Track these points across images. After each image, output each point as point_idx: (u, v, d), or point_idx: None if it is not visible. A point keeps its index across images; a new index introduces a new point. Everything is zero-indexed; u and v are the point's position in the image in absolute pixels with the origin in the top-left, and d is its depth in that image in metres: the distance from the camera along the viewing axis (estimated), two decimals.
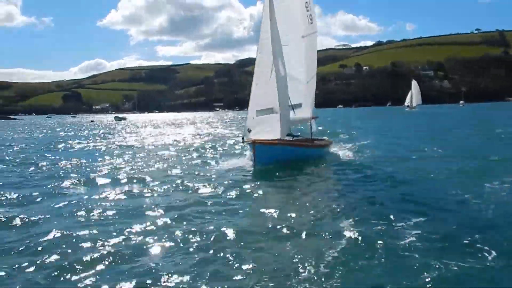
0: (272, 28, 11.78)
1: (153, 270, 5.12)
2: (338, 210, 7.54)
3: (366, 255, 5.38)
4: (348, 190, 9.37)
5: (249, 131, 12.47)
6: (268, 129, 12.31)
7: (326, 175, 11.87)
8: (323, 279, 4.76)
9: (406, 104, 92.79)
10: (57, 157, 17.20)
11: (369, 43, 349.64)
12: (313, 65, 13.42)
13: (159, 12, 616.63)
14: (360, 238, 5.91)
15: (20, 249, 5.95)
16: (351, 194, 8.89)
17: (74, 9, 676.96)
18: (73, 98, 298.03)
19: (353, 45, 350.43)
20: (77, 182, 10.90)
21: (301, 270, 4.97)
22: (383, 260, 5.24)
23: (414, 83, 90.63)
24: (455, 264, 5.00)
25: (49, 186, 10.54)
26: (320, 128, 19.14)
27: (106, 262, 5.37)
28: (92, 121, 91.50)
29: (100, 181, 11.07)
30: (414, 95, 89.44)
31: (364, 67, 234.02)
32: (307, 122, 14.92)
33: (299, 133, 15.57)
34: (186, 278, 4.87)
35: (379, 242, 5.74)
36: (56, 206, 8.44)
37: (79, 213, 7.69)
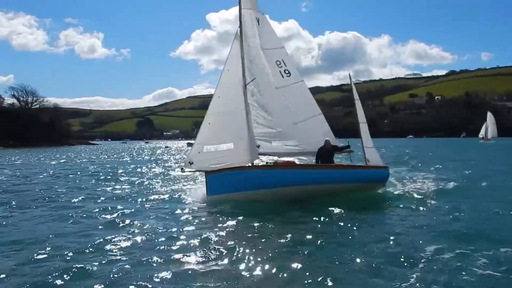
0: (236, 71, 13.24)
1: None
2: None
3: None
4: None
5: (191, 163, 12.64)
6: (226, 161, 12.54)
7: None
8: None
9: (480, 136, 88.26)
10: None
11: (442, 72, 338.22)
12: (303, 110, 14.06)
13: (230, 42, 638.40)
14: None
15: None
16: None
17: (150, 41, 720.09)
18: (146, 124, 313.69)
19: (424, 74, 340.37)
20: None
21: None
22: None
23: (489, 115, 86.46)
24: None
25: None
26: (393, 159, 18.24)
27: None
28: (166, 146, 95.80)
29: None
30: (489, 127, 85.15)
31: (436, 97, 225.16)
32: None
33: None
34: None
35: None
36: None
37: None
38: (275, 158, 14.26)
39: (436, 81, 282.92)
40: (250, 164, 12.81)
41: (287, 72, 14.07)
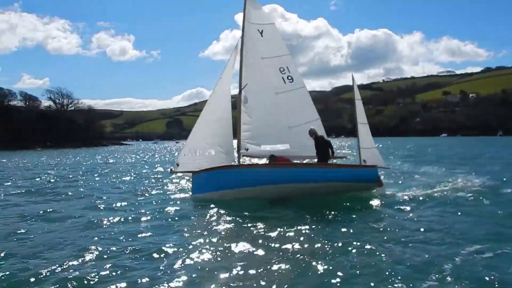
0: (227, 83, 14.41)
1: None
2: None
3: None
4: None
5: (178, 164, 13.80)
6: (204, 165, 13.25)
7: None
8: None
9: None
10: None
11: (476, 69, 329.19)
12: (301, 115, 14.58)
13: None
14: None
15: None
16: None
17: (180, 43, 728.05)
18: (175, 124, 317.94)
19: (458, 72, 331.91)
20: None
21: None
22: None
23: None
24: None
25: None
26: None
27: None
28: None
29: None
30: None
31: (471, 95, 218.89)
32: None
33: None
34: None
35: None
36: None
37: None
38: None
39: (470, 79, 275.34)
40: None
41: (290, 78, 14.70)
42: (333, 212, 10.28)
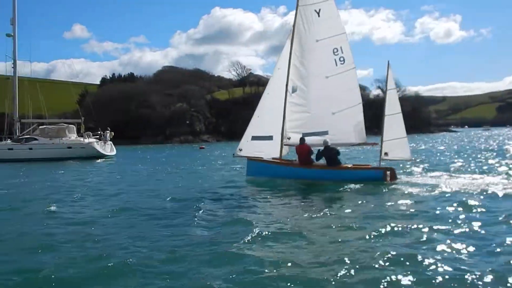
0: (282, 68, 15.72)
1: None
2: None
3: None
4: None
5: (240, 150, 16.38)
6: (264, 150, 15.86)
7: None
8: None
9: None
10: None
11: None
12: (345, 98, 15.13)
13: None
14: None
15: None
16: None
17: None
18: (509, 109, 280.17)
19: None
20: None
21: None
22: None
23: None
24: None
25: None
26: None
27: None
28: None
29: None
30: None
31: None
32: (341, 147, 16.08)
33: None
34: None
35: None
36: None
37: None
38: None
39: None
40: (277, 156, 15.82)
41: (341, 59, 14.99)
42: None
